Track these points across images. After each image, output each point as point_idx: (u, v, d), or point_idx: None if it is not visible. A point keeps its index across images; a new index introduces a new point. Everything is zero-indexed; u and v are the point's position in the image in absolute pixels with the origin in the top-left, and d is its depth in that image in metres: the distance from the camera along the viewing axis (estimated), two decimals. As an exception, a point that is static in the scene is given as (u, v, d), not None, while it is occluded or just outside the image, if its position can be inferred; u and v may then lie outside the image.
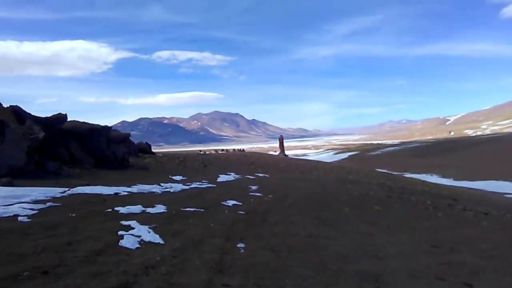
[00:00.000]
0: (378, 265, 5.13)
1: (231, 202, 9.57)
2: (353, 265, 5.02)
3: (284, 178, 19.81)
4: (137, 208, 7.43)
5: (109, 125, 20.57)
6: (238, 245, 5.41)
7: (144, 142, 28.95)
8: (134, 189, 10.93)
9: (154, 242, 5.10)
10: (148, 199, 8.98)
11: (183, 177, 17.39)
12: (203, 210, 7.98)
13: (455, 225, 9.01)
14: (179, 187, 12.61)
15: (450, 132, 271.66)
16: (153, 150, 30.57)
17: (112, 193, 9.96)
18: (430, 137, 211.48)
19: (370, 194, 13.91)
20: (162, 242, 5.16)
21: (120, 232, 5.33)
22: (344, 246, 5.98)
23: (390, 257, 5.60)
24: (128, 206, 7.54)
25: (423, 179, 50.79)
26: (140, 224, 5.93)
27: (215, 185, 14.12)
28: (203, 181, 15.65)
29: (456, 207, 13.21)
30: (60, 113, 16.70)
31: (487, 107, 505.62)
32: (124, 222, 5.95)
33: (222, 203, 9.34)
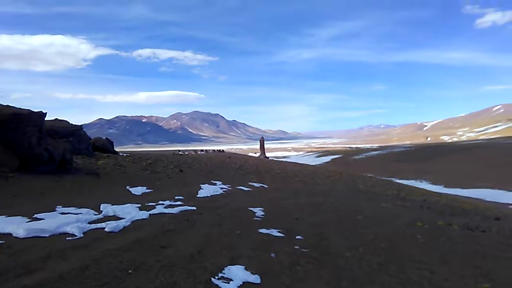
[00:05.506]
0: None
1: (233, 276, 4.02)
2: None
3: (291, 191, 14.40)
4: None
5: (86, 122, 14.66)
6: None
7: (105, 138, 22.71)
8: (25, 226, 5.23)
9: None
10: (14, 279, 3.36)
11: (147, 189, 11.78)
12: None
13: None
14: (129, 215, 6.93)
15: (427, 138, 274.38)
16: (117, 150, 24.41)
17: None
18: (408, 142, 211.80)
19: (439, 225, 8.55)
20: None
21: None
22: None
23: None
24: None
25: (414, 185, 46.58)
26: None
27: (195, 208, 8.55)
28: (176, 197, 10.07)
29: None
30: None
31: (463, 114, 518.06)
32: None
33: (213, 281, 3.79)
